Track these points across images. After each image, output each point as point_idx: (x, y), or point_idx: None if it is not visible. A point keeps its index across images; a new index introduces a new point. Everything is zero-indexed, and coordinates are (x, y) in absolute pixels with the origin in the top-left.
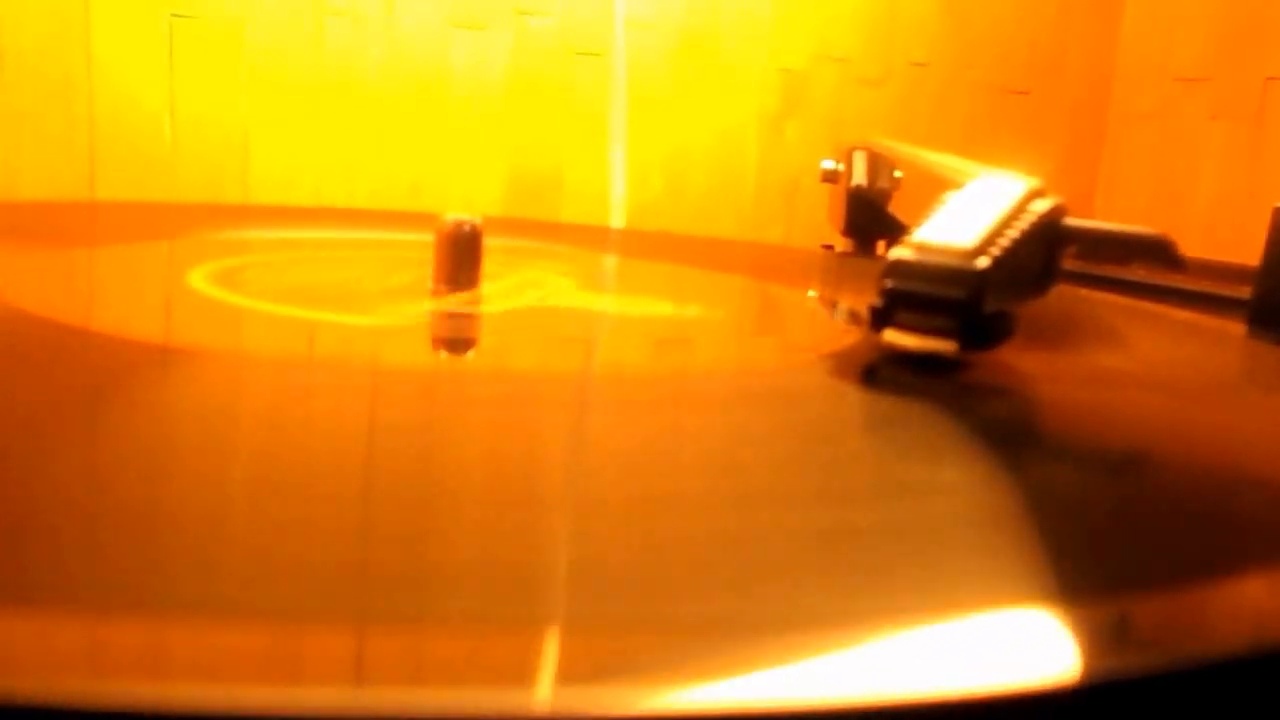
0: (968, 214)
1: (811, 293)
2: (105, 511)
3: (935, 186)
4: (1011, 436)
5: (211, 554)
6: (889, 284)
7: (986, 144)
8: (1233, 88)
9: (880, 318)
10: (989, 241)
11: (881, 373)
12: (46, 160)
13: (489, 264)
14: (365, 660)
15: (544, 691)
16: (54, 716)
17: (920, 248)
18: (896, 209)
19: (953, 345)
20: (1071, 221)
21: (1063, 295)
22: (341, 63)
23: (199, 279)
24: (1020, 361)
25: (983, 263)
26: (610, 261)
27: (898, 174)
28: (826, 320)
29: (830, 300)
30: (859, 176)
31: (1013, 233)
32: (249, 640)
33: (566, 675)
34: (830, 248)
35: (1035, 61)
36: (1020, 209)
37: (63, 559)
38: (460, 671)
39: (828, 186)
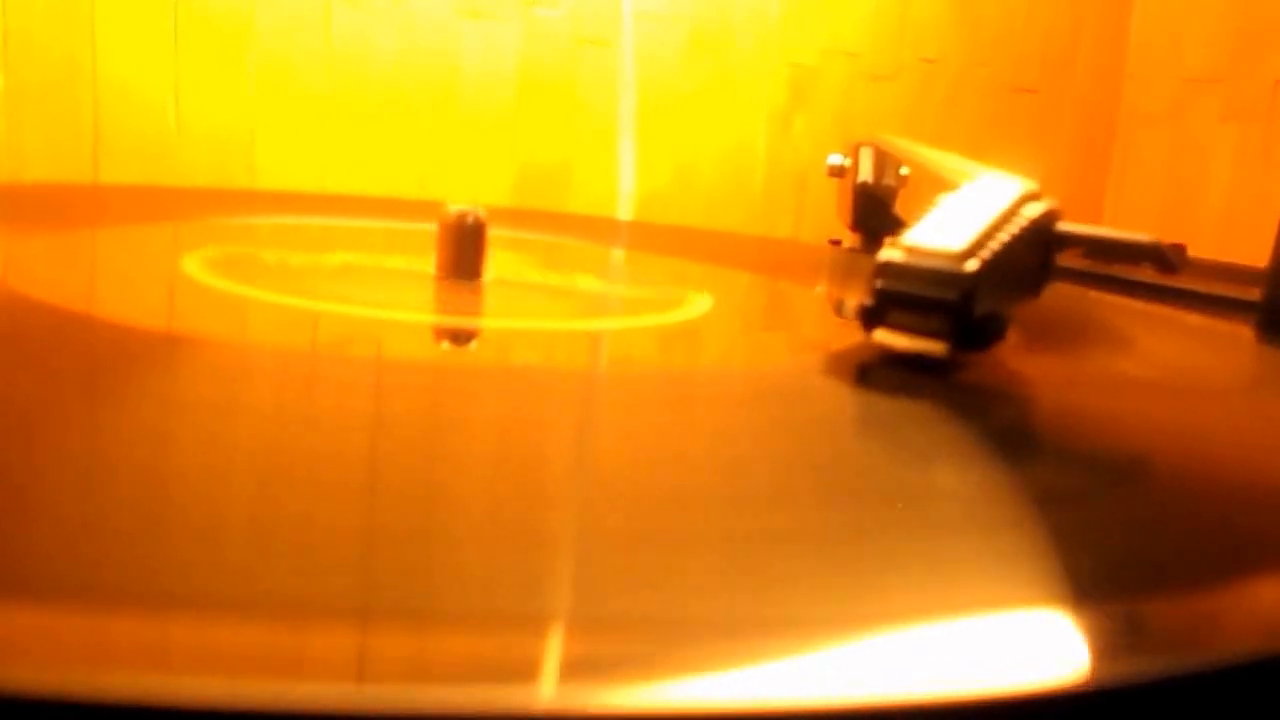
0: (960, 216)
1: (819, 288)
2: (107, 502)
3: (940, 184)
4: (1009, 438)
5: (213, 547)
6: (879, 284)
7: (996, 142)
8: (1243, 89)
9: (872, 317)
10: (979, 244)
11: (877, 373)
12: (50, 146)
13: (494, 255)
14: (368, 657)
15: (547, 688)
16: (56, 709)
17: (911, 249)
18: (904, 205)
19: (943, 346)
20: (1065, 226)
21: (1065, 295)
22: (349, 51)
23: (201, 266)
24: (1019, 363)
25: (972, 265)
26: (617, 255)
27: (904, 171)
28: (832, 317)
29: (837, 297)
30: (865, 173)
31: (1004, 236)
32: (251, 635)
33: (569, 673)
34: (838, 242)
35: (1046, 60)
36: (1013, 212)
37: (64, 550)
38: (463, 668)
39: (836, 181)
